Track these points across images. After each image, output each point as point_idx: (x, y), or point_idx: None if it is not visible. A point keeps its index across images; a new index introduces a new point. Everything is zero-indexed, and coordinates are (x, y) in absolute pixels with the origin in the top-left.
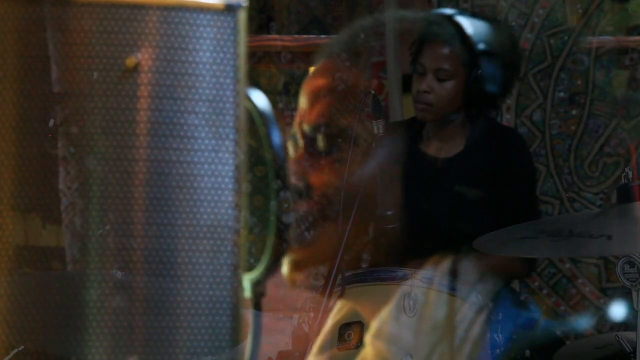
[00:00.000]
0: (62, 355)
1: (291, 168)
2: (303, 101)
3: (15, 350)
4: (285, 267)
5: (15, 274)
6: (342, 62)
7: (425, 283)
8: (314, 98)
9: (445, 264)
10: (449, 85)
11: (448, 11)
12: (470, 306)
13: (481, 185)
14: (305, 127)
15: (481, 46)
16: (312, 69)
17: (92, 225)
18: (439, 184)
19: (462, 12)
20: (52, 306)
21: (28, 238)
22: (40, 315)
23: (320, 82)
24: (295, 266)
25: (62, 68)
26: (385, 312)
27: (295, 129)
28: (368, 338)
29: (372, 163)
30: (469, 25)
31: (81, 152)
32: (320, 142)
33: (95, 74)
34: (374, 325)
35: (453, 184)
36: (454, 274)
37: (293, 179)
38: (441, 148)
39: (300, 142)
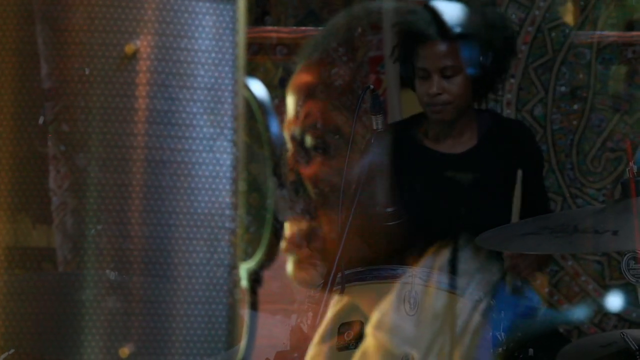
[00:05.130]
0: (55, 358)
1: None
2: (289, 104)
3: (6, 354)
4: (290, 267)
5: (5, 276)
6: (342, 65)
7: (431, 284)
8: (300, 100)
9: (443, 257)
10: (458, 80)
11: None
12: (469, 298)
13: (499, 177)
14: (296, 131)
15: (459, 24)
16: (297, 68)
17: (90, 214)
18: (457, 180)
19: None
20: (46, 308)
21: (17, 238)
22: (33, 317)
23: (305, 81)
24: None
25: (55, 60)
26: (386, 303)
27: (285, 132)
28: (369, 329)
29: (370, 160)
30: (446, 5)
31: (73, 148)
32: (309, 141)
33: (87, 70)
34: (374, 316)
35: (472, 178)
36: (452, 269)
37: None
38: (453, 145)
39: (290, 145)
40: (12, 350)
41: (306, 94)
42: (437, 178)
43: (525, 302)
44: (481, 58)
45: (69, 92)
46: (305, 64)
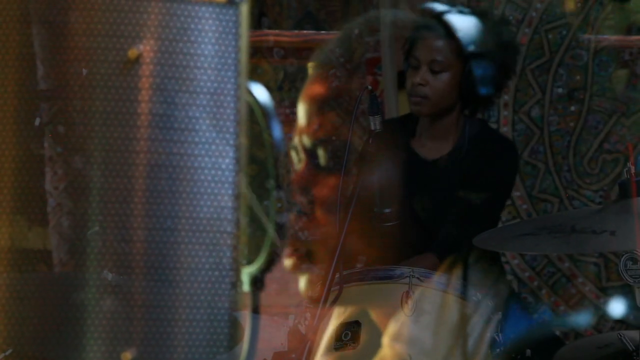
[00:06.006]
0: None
1: (294, 182)
2: (301, 113)
3: (3, 355)
4: (302, 284)
5: (4, 278)
6: (339, 67)
7: (428, 284)
8: (312, 109)
9: (459, 269)
10: (444, 77)
11: (440, 8)
12: (483, 311)
13: (461, 187)
14: (306, 141)
15: (473, 42)
16: (309, 73)
17: (92, 218)
18: (426, 185)
19: (456, 7)
20: (48, 309)
21: (13, 240)
22: (35, 319)
23: (317, 91)
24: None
25: (52, 62)
26: (403, 314)
27: (297, 142)
28: (386, 340)
29: (368, 160)
30: (461, 20)
31: (70, 150)
32: (322, 157)
33: (85, 71)
34: (392, 327)
35: (436, 185)
36: (466, 279)
37: (297, 195)
38: (431, 148)
39: (302, 155)
40: (9, 351)
41: (320, 105)
42: (414, 180)
43: (537, 316)
44: (492, 76)
45: (65, 94)
46: (315, 74)
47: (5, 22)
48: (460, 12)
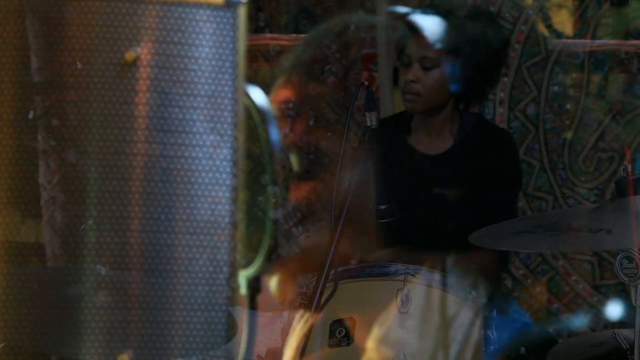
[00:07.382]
0: (56, 353)
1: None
2: None
3: None
4: (273, 284)
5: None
6: (335, 62)
7: (423, 282)
8: (279, 114)
9: (443, 263)
10: (435, 73)
11: (403, 9)
12: (469, 307)
13: (468, 182)
14: None
15: (462, 37)
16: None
17: (88, 218)
18: (427, 181)
19: (420, 8)
20: (43, 303)
21: (6, 234)
22: (29, 312)
23: (283, 97)
24: (284, 280)
25: (46, 57)
26: (390, 317)
27: None
28: (371, 344)
29: (364, 158)
30: (424, 20)
31: (63, 143)
32: (295, 163)
33: (79, 64)
34: (377, 331)
35: (440, 181)
36: (451, 273)
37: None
38: (430, 144)
39: None
40: (2, 345)
41: (284, 111)
42: (412, 177)
43: (518, 318)
44: (462, 72)
45: (59, 88)
46: (284, 79)
47: (4, 17)
48: (424, 12)
